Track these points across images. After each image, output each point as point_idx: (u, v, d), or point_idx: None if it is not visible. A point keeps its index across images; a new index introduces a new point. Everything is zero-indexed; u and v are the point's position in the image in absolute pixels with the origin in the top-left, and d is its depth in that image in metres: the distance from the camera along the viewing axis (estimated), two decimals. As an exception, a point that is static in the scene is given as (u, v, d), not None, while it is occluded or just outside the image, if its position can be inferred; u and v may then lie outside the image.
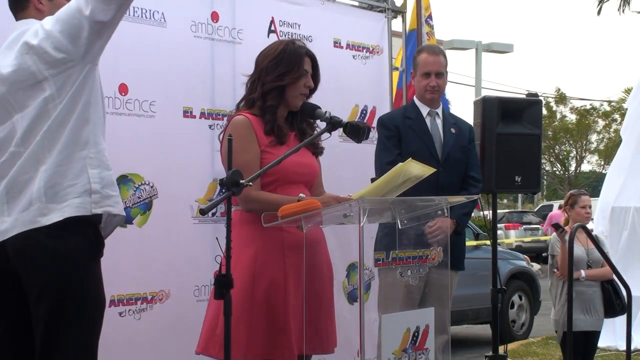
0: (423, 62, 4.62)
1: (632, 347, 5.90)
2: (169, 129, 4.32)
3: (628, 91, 23.12)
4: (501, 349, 5.66)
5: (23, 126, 2.80)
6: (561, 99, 32.02)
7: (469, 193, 4.49)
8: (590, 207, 5.80)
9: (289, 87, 3.52)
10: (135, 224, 4.15)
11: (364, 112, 5.42)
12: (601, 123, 32.50)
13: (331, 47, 5.23)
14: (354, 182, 4.29)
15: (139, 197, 4.17)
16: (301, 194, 3.42)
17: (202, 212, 2.84)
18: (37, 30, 2.81)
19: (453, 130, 4.64)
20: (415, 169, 3.35)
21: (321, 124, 3.57)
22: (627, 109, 9.39)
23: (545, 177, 33.14)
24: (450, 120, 4.71)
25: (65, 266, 2.74)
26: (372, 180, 3.50)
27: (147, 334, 4.17)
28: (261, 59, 3.59)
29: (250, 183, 2.95)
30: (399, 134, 4.53)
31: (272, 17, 4.89)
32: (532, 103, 5.68)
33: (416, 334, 3.33)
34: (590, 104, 32.67)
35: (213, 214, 4.38)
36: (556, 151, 33.10)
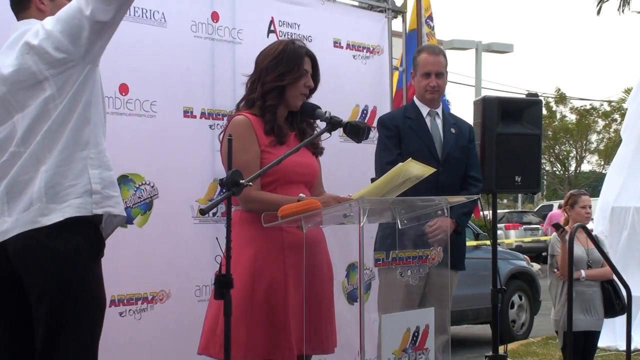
0: (423, 62, 4.62)
1: (632, 347, 5.90)
2: (170, 129, 4.32)
3: (628, 91, 23.12)
4: (501, 349, 5.66)
5: (23, 126, 2.80)
6: (561, 99, 32.02)
7: (469, 193, 4.49)
8: (590, 207, 5.81)
9: (289, 87, 3.52)
10: (135, 224, 4.16)
11: (365, 112, 5.42)
12: (601, 123, 32.51)
13: (331, 47, 5.23)
14: (354, 182, 4.29)
15: (139, 197, 4.17)
16: (301, 194, 3.42)
17: (202, 212, 2.84)
18: (38, 30, 2.81)
19: (453, 130, 4.64)
20: (415, 169, 3.35)
21: (321, 124, 3.58)
22: (627, 109, 9.39)
23: (545, 177, 33.13)
24: (450, 120, 4.71)
25: (66, 266, 2.74)
26: (372, 180, 3.50)
27: (148, 334, 4.17)
28: (261, 59, 3.59)
29: (250, 183, 2.95)
30: (399, 134, 4.53)
31: (272, 17, 4.89)
32: (532, 103, 5.68)
33: (416, 334, 3.33)
34: (590, 104, 32.71)
35: (214, 214, 4.38)
36: (556, 151, 33.10)
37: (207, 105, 4.52)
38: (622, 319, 5.85)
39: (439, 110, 4.68)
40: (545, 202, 32.31)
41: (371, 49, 5.49)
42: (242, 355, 3.30)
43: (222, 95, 4.55)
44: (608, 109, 32.06)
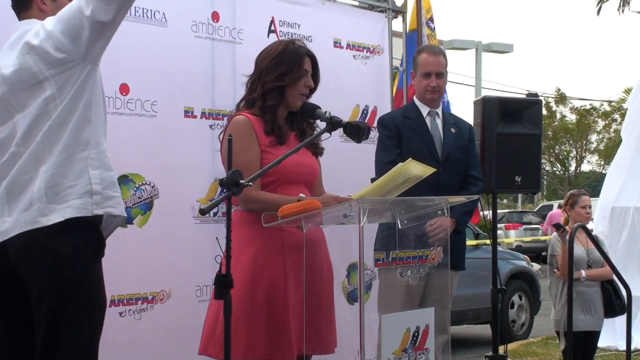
0: (423, 62, 4.62)
1: (632, 347, 5.90)
2: (170, 129, 4.32)
3: (628, 91, 23.13)
4: (501, 349, 5.66)
5: (23, 126, 2.80)
6: (561, 99, 32.02)
7: (469, 192, 4.49)
8: (590, 207, 5.81)
9: (289, 87, 3.52)
10: (135, 224, 4.16)
11: (365, 112, 5.42)
12: (601, 123, 32.51)
13: (331, 47, 5.23)
14: (354, 182, 4.29)
15: (139, 197, 4.17)
16: (301, 194, 3.42)
17: (202, 212, 2.84)
18: (39, 30, 2.81)
19: (453, 130, 4.64)
20: (415, 169, 3.35)
21: (321, 124, 3.58)
22: (627, 109, 9.39)
23: (545, 177, 33.14)
24: (450, 120, 4.71)
25: (66, 266, 2.74)
26: (372, 180, 3.50)
27: (148, 334, 4.17)
28: (261, 59, 3.59)
29: (250, 183, 2.95)
30: (399, 134, 4.53)
31: (272, 17, 4.89)
32: (532, 103, 5.68)
33: (416, 334, 3.33)
34: (590, 104, 32.71)
35: (214, 214, 4.38)
36: (556, 151, 33.10)
37: (208, 105, 4.52)
38: (622, 319, 5.86)
39: (439, 110, 4.68)
40: (545, 202, 32.31)
41: (371, 49, 5.50)
42: (242, 356, 3.30)
43: (222, 95, 4.55)
44: (608, 109, 32.08)
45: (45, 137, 2.78)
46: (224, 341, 2.87)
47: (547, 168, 33.42)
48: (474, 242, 8.86)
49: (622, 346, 7.03)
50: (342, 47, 5.32)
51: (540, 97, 5.82)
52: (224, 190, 2.89)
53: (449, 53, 17.81)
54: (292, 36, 4.83)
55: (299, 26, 5.03)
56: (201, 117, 4.48)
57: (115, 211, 2.87)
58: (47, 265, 2.73)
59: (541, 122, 5.79)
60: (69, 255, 2.74)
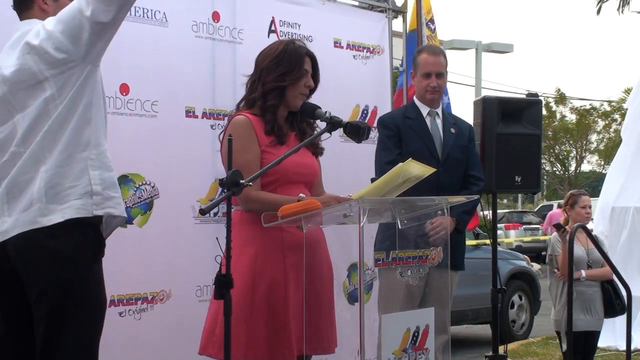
0: (423, 62, 4.62)
1: (632, 347, 5.91)
2: (171, 129, 4.32)
3: (628, 91, 23.12)
4: (501, 349, 5.66)
5: (24, 126, 2.80)
6: (561, 99, 32.01)
7: (470, 191, 4.50)
8: (590, 207, 5.81)
9: (290, 87, 3.52)
10: (135, 224, 4.16)
11: (365, 112, 5.42)
12: (601, 123, 32.49)
13: (331, 47, 5.24)
14: (354, 182, 4.29)
15: (139, 197, 4.17)
16: (301, 194, 3.42)
17: (202, 212, 2.84)
18: (39, 30, 2.81)
19: (453, 130, 4.65)
20: (415, 169, 3.35)
21: (321, 124, 3.58)
22: (627, 109, 9.39)
23: (545, 177, 33.13)
24: (450, 120, 4.71)
25: (66, 267, 2.74)
26: (372, 180, 3.50)
27: (148, 334, 4.17)
28: (261, 59, 3.58)
29: (250, 183, 2.95)
30: (399, 134, 4.53)
31: (273, 17, 4.90)
32: (532, 103, 5.68)
33: (416, 334, 3.33)
34: (590, 104, 32.69)
35: (214, 214, 4.38)
36: (556, 151, 33.09)
37: (208, 105, 4.52)
38: (622, 319, 5.86)
39: (439, 110, 4.68)
40: (545, 202, 32.31)
41: (371, 49, 5.50)
42: (242, 355, 3.30)
43: (222, 95, 4.55)
44: (608, 109, 32.05)
45: (45, 137, 2.78)
46: (224, 341, 2.87)
47: (547, 168, 33.41)
48: (474, 242, 8.86)
49: (622, 346, 7.03)
50: (342, 47, 5.32)
51: (540, 97, 5.82)
52: (224, 190, 2.89)
53: (449, 53, 17.82)
54: (292, 36, 4.83)
55: (299, 26, 5.03)
56: (202, 117, 4.48)
57: (115, 212, 2.87)
58: (47, 265, 2.73)
59: (541, 122, 5.79)
60: (69, 255, 2.74)
